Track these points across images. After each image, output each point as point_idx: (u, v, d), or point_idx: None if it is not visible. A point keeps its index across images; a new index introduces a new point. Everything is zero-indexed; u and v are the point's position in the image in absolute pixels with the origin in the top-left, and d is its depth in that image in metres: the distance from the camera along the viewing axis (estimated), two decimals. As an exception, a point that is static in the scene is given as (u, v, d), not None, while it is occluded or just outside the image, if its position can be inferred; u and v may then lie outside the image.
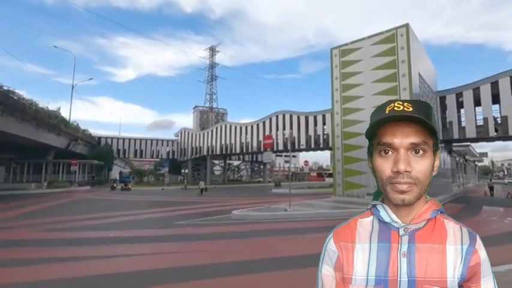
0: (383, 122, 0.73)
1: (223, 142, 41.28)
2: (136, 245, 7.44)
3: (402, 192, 0.70)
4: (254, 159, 56.96)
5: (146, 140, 47.68)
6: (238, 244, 7.67)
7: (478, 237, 0.75)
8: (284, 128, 34.11)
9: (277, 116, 34.69)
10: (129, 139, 46.69)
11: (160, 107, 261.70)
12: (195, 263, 5.78)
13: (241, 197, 21.89)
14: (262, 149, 35.44)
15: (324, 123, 30.63)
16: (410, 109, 0.71)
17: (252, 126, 37.72)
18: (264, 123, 36.14)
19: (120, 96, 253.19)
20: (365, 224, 0.80)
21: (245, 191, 31.17)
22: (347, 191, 18.97)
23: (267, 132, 33.70)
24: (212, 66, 68.61)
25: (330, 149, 32.00)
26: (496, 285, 0.74)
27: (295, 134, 32.31)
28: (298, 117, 32.64)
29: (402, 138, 0.71)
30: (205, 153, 43.87)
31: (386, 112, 0.72)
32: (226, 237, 8.47)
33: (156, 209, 14.85)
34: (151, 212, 13.98)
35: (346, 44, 20.65)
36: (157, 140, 48.53)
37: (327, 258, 0.79)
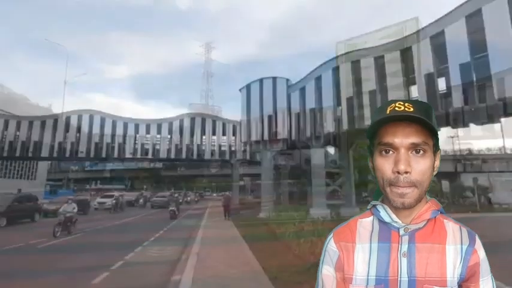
0: (384, 121, 0.72)
1: (221, 140, 40.59)
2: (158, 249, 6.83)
3: (402, 195, 0.70)
4: (252, 158, 56.30)
5: (143, 137, 46.50)
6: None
7: (477, 237, 0.75)
8: (284, 126, 33.46)
9: (276, 113, 33.97)
10: (124, 136, 45.42)
11: (156, 104, 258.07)
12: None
13: (250, 196, 21.38)
14: (262, 147, 34.77)
15: (325, 120, 30.12)
16: (411, 109, 0.70)
17: (251, 124, 36.97)
18: (263, 120, 35.40)
19: (113, 93, 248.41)
20: (365, 224, 0.79)
21: (251, 189, 30.61)
22: (355, 190, 18.59)
23: (267, 130, 33.00)
24: (207, 63, 67.79)
25: (335, 146, 31.65)
26: (494, 285, 0.73)
27: (294, 131, 31.66)
28: (299, 114, 32.00)
29: (403, 138, 0.71)
30: (203, 151, 43.11)
31: (387, 112, 0.71)
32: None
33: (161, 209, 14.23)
34: (159, 212, 13.35)
35: (352, 39, 20.19)
36: (154, 137, 47.39)
37: (328, 259, 0.79)
